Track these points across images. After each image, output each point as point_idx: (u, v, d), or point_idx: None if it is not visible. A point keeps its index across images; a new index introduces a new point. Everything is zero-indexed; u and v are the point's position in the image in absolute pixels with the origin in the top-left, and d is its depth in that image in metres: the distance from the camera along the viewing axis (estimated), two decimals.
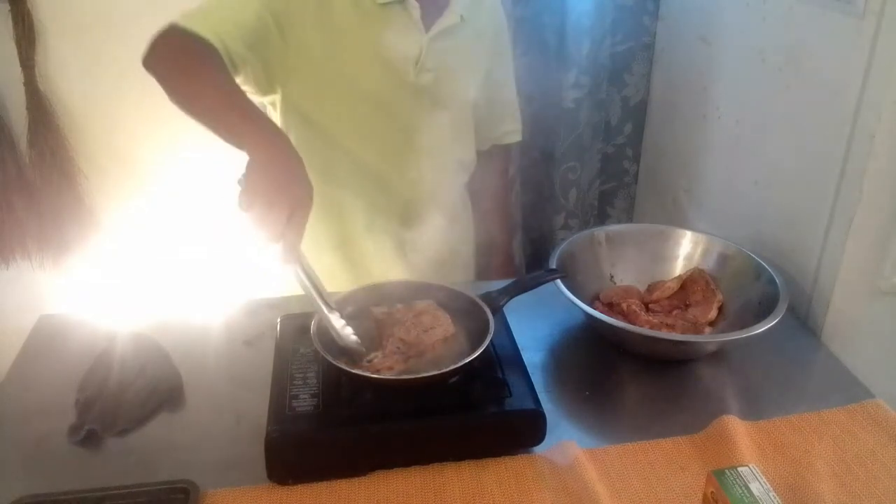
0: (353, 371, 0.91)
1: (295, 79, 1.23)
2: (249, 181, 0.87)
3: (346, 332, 0.97)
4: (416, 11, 1.22)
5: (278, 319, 1.09)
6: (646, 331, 1.11)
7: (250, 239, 0.87)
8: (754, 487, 0.77)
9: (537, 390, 0.96)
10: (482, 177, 1.49)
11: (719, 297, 1.23)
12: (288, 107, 1.27)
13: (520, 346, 1.05)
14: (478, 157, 1.46)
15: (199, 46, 1.05)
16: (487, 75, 1.37)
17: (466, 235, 1.53)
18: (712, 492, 0.80)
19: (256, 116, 0.97)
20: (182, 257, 1.77)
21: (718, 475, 0.79)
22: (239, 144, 0.92)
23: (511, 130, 1.50)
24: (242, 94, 1.03)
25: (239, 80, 1.13)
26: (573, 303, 1.12)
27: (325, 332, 0.98)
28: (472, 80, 1.34)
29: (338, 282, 1.33)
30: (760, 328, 1.07)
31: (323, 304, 0.94)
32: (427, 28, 1.24)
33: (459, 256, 1.50)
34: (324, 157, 1.30)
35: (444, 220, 1.35)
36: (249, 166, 0.88)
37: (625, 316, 1.20)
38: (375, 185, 1.33)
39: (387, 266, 1.35)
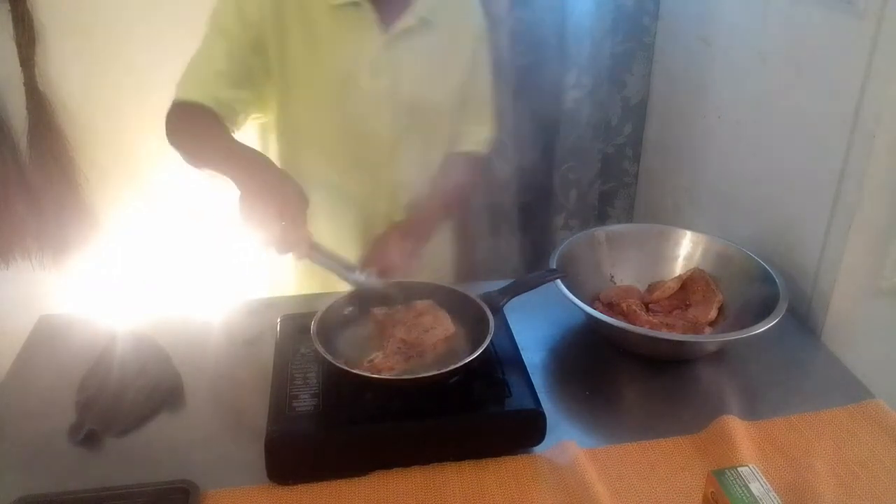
0: (354, 371, 0.91)
1: (278, 84, 1.23)
2: (242, 196, 0.99)
3: (373, 280, 1.04)
4: (370, 13, 1.18)
5: (278, 319, 1.09)
6: (646, 331, 1.11)
7: (260, 245, 0.98)
8: (754, 487, 0.77)
9: (537, 390, 0.97)
10: (441, 182, 1.37)
11: (719, 297, 1.23)
12: (275, 121, 1.28)
13: (520, 346, 1.05)
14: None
15: (193, 109, 1.16)
16: (458, 82, 1.31)
17: (442, 238, 1.49)
18: (712, 492, 0.80)
19: (238, 148, 1.10)
20: (182, 257, 1.77)
21: (718, 475, 0.79)
22: (230, 175, 1.04)
23: (476, 140, 1.38)
24: (227, 136, 1.14)
25: (241, 117, 1.23)
26: (573, 303, 1.12)
27: (326, 332, 0.98)
28: (437, 85, 1.28)
29: (306, 286, 1.34)
30: (760, 328, 1.07)
31: (345, 270, 1.03)
32: (386, 30, 1.20)
33: (436, 259, 1.47)
34: (299, 169, 1.29)
35: None
36: (240, 187, 1.00)
37: (625, 316, 1.20)
38: (344, 190, 1.30)
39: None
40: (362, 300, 1.07)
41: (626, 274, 1.32)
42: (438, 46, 1.26)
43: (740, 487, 0.77)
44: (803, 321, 1.25)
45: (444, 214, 1.36)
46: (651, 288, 1.30)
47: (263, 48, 1.19)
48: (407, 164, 1.30)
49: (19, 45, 1.54)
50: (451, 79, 1.30)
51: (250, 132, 1.29)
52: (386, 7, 1.19)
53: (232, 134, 1.17)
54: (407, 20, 1.20)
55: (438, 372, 0.92)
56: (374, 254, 1.17)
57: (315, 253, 1.00)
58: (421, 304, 1.05)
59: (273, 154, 1.29)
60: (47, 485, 0.90)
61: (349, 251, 1.30)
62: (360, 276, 1.04)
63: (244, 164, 1.05)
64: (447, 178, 1.36)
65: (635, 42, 1.80)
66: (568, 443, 0.97)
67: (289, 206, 0.98)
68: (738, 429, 0.98)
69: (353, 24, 1.19)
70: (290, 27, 1.18)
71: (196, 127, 1.16)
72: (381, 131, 1.26)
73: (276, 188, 1.00)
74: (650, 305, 1.26)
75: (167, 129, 1.17)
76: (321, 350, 0.93)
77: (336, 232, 1.31)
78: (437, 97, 1.28)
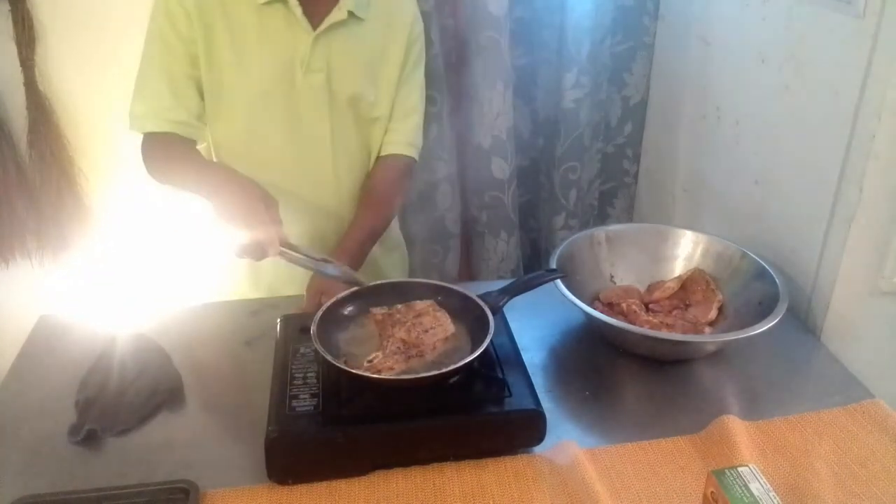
0: (353, 371, 0.91)
1: (209, 93, 1.23)
2: (215, 208, 1.06)
3: (345, 270, 1.08)
4: (297, 9, 1.17)
5: (278, 319, 1.09)
6: (646, 331, 1.11)
7: (237, 254, 1.04)
8: (754, 487, 0.77)
9: (537, 390, 0.96)
10: (371, 180, 1.36)
11: (719, 297, 1.23)
12: (211, 127, 1.28)
13: (520, 346, 1.05)
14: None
15: (160, 140, 1.20)
16: (392, 78, 1.30)
17: (392, 228, 1.48)
18: (712, 492, 0.80)
19: (206, 166, 1.19)
20: (182, 257, 1.77)
21: (718, 475, 0.79)
22: (202, 194, 1.11)
23: (402, 142, 1.34)
24: (195, 158, 1.21)
25: (206, 131, 1.27)
26: (573, 303, 1.12)
27: (326, 332, 0.98)
28: (371, 80, 1.27)
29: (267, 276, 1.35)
30: (760, 328, 1.07)
31: (314, 263, 1.07)
32: (315, 27, 1.20)
33: (392, 249, 1.48)
34: (241, 168, 1.26)
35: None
36: (211, 202, 1.07)
37: (625, 316, 1.20)
38: (286, 193, 1.26)
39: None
40: (362, 300, 1.07)
41: (626, 274, 1.32)
42: (369, 41, 1.26)
43: (740, 487, 0.77)
44: (803, 321, 1.25)
45: (376, 230, 1.32)
46: (651, 288, 1.30)
47: (197, 61, 1.19)
48: (349, 160, 1.30)
49: (19, 45, 1.54)
50: (384, 74, 1.29)
51: None
52: (313, 4, 1.19)
53: (199, 152, 1.23)
54: (335, 15, 1.20)
55: (438, 372, 0.92)
56: (314, 289, 1.19)
57: (286, 252, 1.04)
58: (421, 304, 1.05)
59: None
60: (47, 485, 0.90)
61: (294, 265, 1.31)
62: (334, 270, 1.06)
63: (210, 179, 1.12)
64: (373, 185, 1.34)
65: (635, 42, 1.81)
66: (568, 443, 0.97)
67: (254, 212, 1.02)
68: (738, 429, 0.98)
69: (281, 22, 1.19)
70: (217, 34, 1.18)
71: (168, 157, 1.20)
72: (320, 129, 1.26)
73: (238, 196, 1.05)
74: (650, 305, 1.26)
75: (146, 166, 1.22)
76: (321, 350, 0.93)
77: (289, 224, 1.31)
78: (371, 93, 1.28)
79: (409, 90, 1.33)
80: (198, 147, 1.26)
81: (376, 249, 1.39)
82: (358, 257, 1.26)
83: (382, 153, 1.35)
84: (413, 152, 1.36)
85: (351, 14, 1.21)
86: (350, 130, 1.29)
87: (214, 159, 1.30)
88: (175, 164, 1.20)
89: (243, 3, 1.17)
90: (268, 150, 1.26)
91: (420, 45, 1.34)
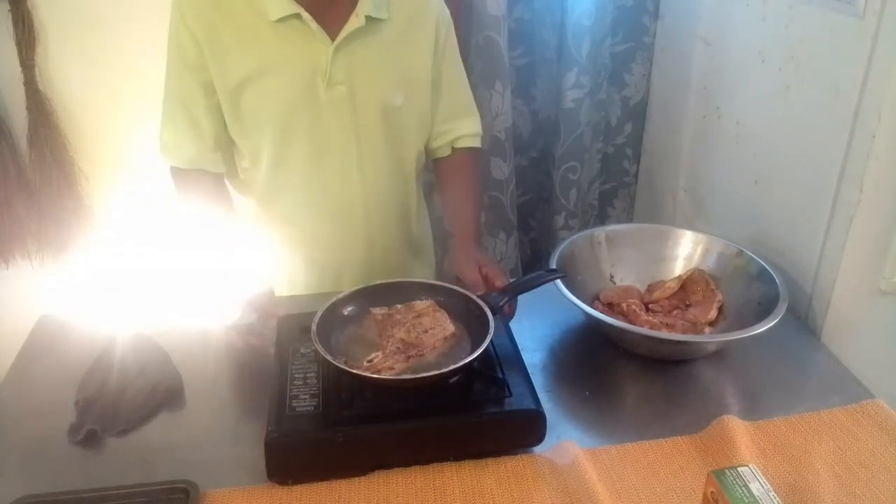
0: (353, 371, 0.91)
1: (230, 116, 1.20)
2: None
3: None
4: (312, 22, 1.12)
5: (278, 319, 1.09)
6: (646, 331, 1.11)
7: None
8: (754, 487, 0.77)
9: (537, 390, 0.96)
10: (445, 179, 1.38)
11: (719, 297, 1.23)
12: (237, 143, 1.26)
13: (520, 346, 1.05)
14: (439, 159, 1.38)
15: (182, 172, 1.25)
16: (423, 75, 1.26)
17: (423, 233, 1.47)
18: (712, 492, 0.80)
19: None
20: (182, 257, 1.77)
21: (718, 475, 0.79)
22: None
23: (464, 135, 1.35)
24: (216, 209, 1.26)
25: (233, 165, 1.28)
26: (573, 303, 1.12)
27: (325, 333, 0.98)
28: (399, 83, 1.23)
29: (299, 287, 1.35)
30: (760, 328, 1.07)
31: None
32: (333, 37, 1.15)
33: (420, 254, 1.47)
34: (270, 183, 1.27)
35: (395, 224, 1.34)
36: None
37: (625, 316, 1.20)
38: (318, 198, 1.28)
39: (348, 271, 1.34)
40: (362, 300, 1.07)
41: (626, 274, 1.32)
42: (394, 43, 1.21)
43: (740, 487, 0.77)
44: (803, 321, 1.25)
45: (478, 205, 1.37)
46: (651, 288, 1.30)
47: (211, 88, 1.17)
48: (375, 168, 1.27)
49: (19, 45, 1.54)
50: (414, 73, 1.25)
51: None
52: (328, 14, 1.14)
53: (222, 193, 1.27)
54: (353, 23, 1.15)
55: (438, 372, 0.92)
56: (472, 277, 1.14)
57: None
58: (421, 305, 1.05)
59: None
60: (47, 485, 0.90)
61: (324, 275, 1.34)
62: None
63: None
64: (460, 176, 1.36)
65: (635, 42, 1.81)
66: (568, 443, 0.97)
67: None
68: (738, 429, 0.98)
69: (297, 36, 1.14)
70: (231, 55, 1.14)
71: (195, 198, 1.26)
72: (345, 141, 1.22)
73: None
74: (650, 305, 1.26)
75: (178, 194, 1.27)
76: (321, 350, 0.93)
77: (311, 256, 1.32)
78: (398, 96, 1.23)
79: (451, 77, 1.31)
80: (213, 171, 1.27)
81: (406, 252, 1.39)
82: (476, 237, 1.30)
83: (457, 145, 1.36)
84: (475, 142, 1.38)
85: (369, 18, 1.16)
86: (376, 138, 1.25)
87: (240, 176, 1.28)
88: (200, 205, 1.26)
89: (255, 21, 1.13)
90: (292, 165, 1.23)
91: (447, 31, 1.28)
